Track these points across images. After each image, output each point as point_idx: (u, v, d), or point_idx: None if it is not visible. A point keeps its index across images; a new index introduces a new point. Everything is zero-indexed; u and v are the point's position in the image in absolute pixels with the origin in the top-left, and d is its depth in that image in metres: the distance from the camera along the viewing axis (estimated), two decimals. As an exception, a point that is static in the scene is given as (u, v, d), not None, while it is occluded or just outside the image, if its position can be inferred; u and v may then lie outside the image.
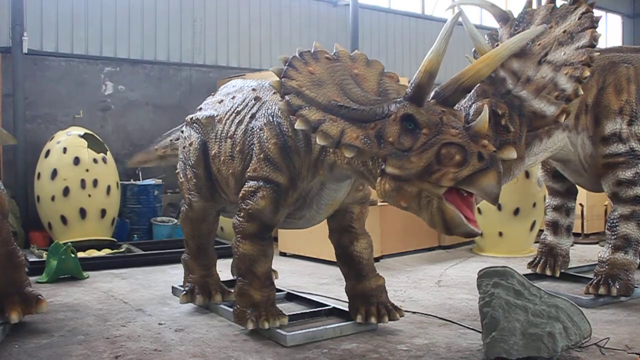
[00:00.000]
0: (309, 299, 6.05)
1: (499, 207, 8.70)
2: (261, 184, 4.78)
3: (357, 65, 4.51)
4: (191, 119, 5.84)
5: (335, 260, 5.43)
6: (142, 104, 11.93)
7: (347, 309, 5.33)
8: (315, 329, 4.99)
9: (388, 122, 3.96)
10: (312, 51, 4.44)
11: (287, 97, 4.17)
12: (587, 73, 5.38)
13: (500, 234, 8.89)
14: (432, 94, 4.14)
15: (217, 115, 5.52)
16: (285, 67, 4.30)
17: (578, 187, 6.99)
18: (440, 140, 3.75)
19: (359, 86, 4.33)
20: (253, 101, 5.23)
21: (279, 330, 4.86)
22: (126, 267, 8.22)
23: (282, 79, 4.24)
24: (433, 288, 6.88)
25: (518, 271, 4.62)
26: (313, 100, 4.15)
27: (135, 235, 10.57)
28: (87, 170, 9.40)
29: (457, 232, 3.77)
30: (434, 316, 5.59)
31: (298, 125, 4.11)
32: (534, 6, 6.17)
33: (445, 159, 3.69)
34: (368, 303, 5.14)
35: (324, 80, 4.28)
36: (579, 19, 5.58)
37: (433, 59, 3.91)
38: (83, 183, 9.32)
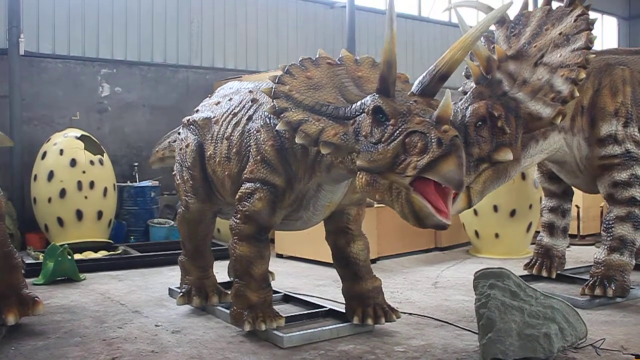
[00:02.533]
0: (306, 301, 6.05)
1: (495, 209, 8.72)
2: (258, 185, 4.79)
3: (361, 68, 4.57)
4: (188, 120, 5.85)
5: (331, 261, 5.44)
6: (139, 106, 11.93)
7: (343, 311, 5.34)
8: (312, 330, 4.99)
9: (364, 117, 4.02)
10: (314, 58, 4.50)
11: (273, 102, 4.30)
12: (583, 75, 5.41)
13: (497, 235, 8.90)
14: (414, 86, 4.19)
15: (213, 117, 5.53)
16: (282, 73, 4.41)
17: (574, 188, 7.01)
18: (405, 129, 3.77)
19: (360, 88, 4.37)
20: (250, 103, 5.25)
21: (275, 332, 4.86)
22: (123, 269, 8.21)
23: (274, 85, 4.36)
24: (429, 289, 6.89)
25: (514, 272, 4.63)
26: (300, 103, 4.27)
27: (131, 237, 10.56)
28: (84, 172, 9.38)
29: (427, 223, 3.73)
30: (431, 317, 5.60)
31: (280, 126, 4.28)
32: (530, 8, 6.20)
33: (410, 147, 3.71)
34: (365, 304, 5.15)
35: (323, 84, 4.35)
36: (575, 21, 5.61)
37: (387, 48, 3.96)
38: (80, 185, 9.30)
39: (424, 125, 3.72)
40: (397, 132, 3.79)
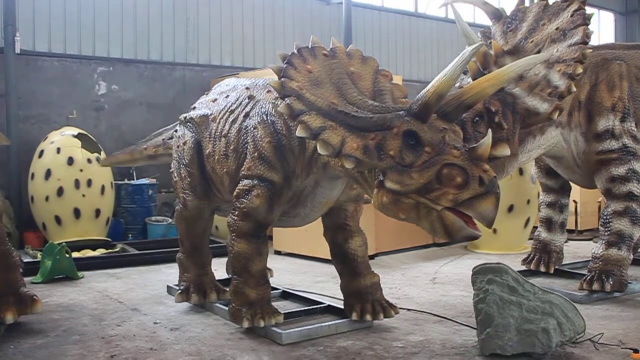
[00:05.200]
0: (304, 297, 6.06)
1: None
2: (255, 182, 4.79)
3: (353, 62, 4.50)
4: (185, 118, 5.84)
5: (330, 258, 5.44)
6: (136, 104, 11.91)
7: (342, 307, 5.35)
8: (310, 326, 4.99)
9: (390, 135, 3.96)
10: (310, 47, 4.42)
11: (287, 100, 4.14)
12: (580, 70, 5.41)
13: (495, 231, 8.89)
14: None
15: (211, 114, 5.52)
16: (285, 65, 4.28)
17: (571, 183, 7.02)
18: (442, 160, 3.79)
19: (354, 85, 4.33)
20: (247, 100, 5.24)
21: (274, 329, 4.86)
22: (121, 267, 8.21)
23: (282, 80, 4.21)
24: (428, 285, 6.90)
25: (512, 268, 4.64)
26: (313, 105, 4.13)
27: (129, 235, 10.55)
28: (81, 170, 9.36)
29: (458, 236, 3.84)
30: (429, 313, 5.61)
31: (299, 132, 4.09)
32: (527, 3, 6.21)
33: (446, 179, 3.74)
34: (363, 300, 5.16)
35: (322, 80, 4.26)
36: (572, 16, 5.61)
37: (445, 81, 3.88)
38: (77, 183, 9.29)
39: (463, 161, 3.77)
40: (433, 160, 3.80)
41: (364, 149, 3.97)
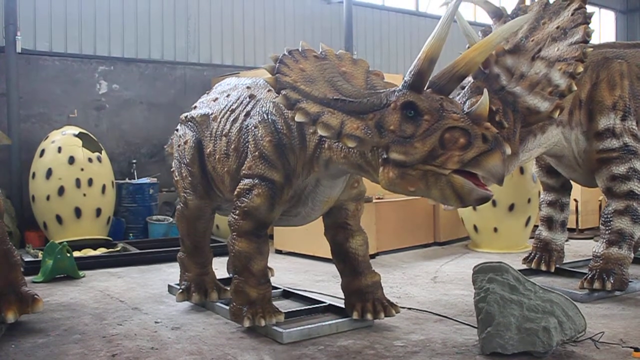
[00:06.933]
0: (305, 296, 6.05)
1: (494, 203, 8.73)
2: (256, 181, 4.79)
3: (343, 63, 4.52)
4: (186, 117, 5.84)
5: (331, 257, 5.44)
6: (137, 103, 11.91)
7: (343, 306, 5.35)
8: (311, 326, 4.99)
9: (387, 111, 3.99)
10: (300, 49, 4.46)
11: (283, 92, 4.18)
12: (581, 69, 5.41)
13: (495, 229, 8.91)
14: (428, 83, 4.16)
15: (211, 114, 5.52)
16: (277, 64, 4.32)
17: (572, 182, 7.02)
18: (443, 125, 3.80)
19: (348, 83, 4.35)
20: (247, 99, 5.24)
21: (275, 328, 4.86)
22: (122, 266, 8.21)
23: (276, 75, 4.26)
24: (429, 284, 6.90)
25: (513, 266, 4.64)
26: (309, 95, 4.18)
27: (130, 234, 10.55)
28: (82, 170, 9.37)
29: (470, 199, 3.82)
30: (430, 312, 5.61)
31: (298, 117, 4.13)
32: (527, 2, 6.20)
33: (449, 142, 3.75)
34: (364, 300, 5.16)
35: (315, 77, 4.30)
36: (572, 14, 5.60)
37: (434, 44, 3.92)
38: (78, 182, 9.29)
39: (463, 122, 3.79)
40: (434, 127, 3.82)
41: (365, 128, 4.00)
